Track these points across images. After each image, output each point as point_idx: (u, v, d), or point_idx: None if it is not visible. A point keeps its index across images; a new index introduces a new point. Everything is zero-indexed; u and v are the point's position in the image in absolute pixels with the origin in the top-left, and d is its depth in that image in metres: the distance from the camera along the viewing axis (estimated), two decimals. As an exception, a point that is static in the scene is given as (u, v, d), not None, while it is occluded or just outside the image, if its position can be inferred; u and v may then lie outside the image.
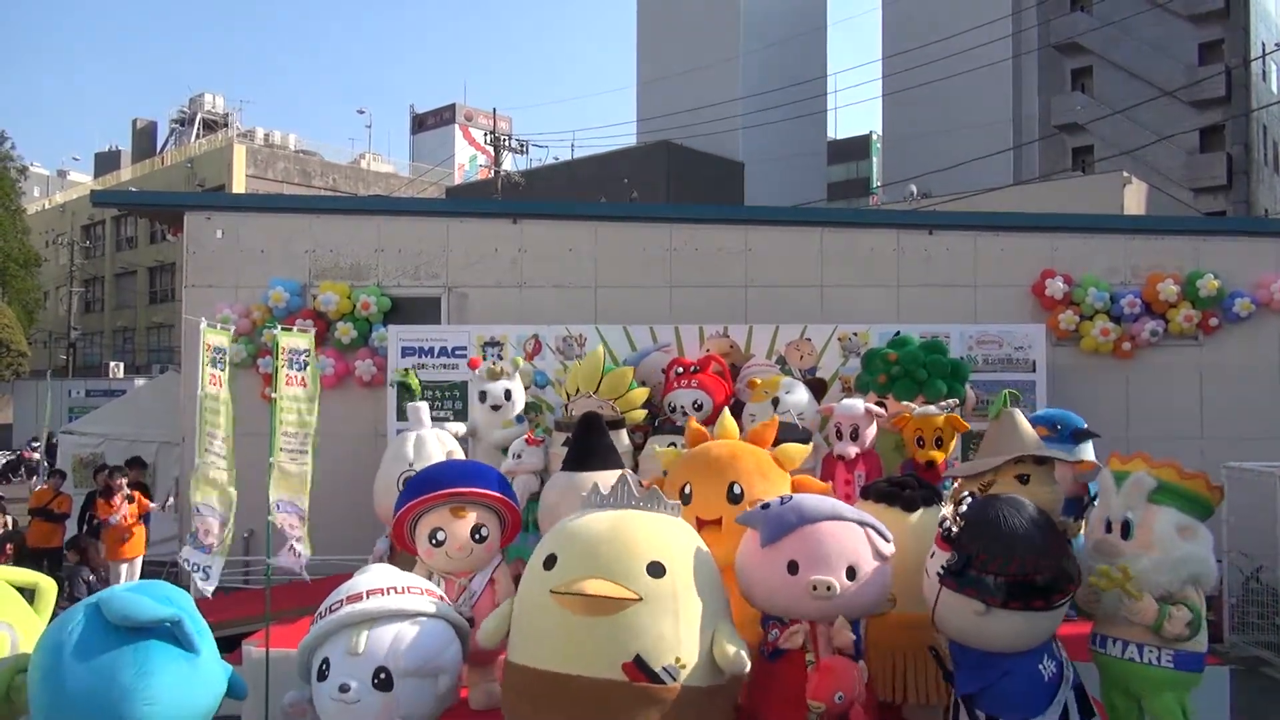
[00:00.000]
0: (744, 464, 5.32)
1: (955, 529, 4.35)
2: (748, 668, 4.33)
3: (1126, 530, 4.63)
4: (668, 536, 4.52)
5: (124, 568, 9.83)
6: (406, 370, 8.86)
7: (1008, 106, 41.29)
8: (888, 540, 4.62)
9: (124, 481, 10.11)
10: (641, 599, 4.16)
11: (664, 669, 4.14)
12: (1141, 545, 4.58)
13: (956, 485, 6.31)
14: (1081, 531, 5.28)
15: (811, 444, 6.21)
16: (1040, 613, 4.32)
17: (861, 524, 4.59)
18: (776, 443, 5.67)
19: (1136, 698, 4.78)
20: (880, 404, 7.25)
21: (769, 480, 5.22)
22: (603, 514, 4.54)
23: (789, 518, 4.51)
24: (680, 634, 4.23)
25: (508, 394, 7.83)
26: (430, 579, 5.45)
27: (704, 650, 4.29)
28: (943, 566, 4.33)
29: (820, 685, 4.23)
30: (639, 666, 4.12)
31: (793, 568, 4.40)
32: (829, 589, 4.33)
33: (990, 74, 37.75)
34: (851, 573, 4.42)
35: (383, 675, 4.40)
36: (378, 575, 4.82)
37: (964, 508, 4.43)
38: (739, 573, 4.70)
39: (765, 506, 4.70)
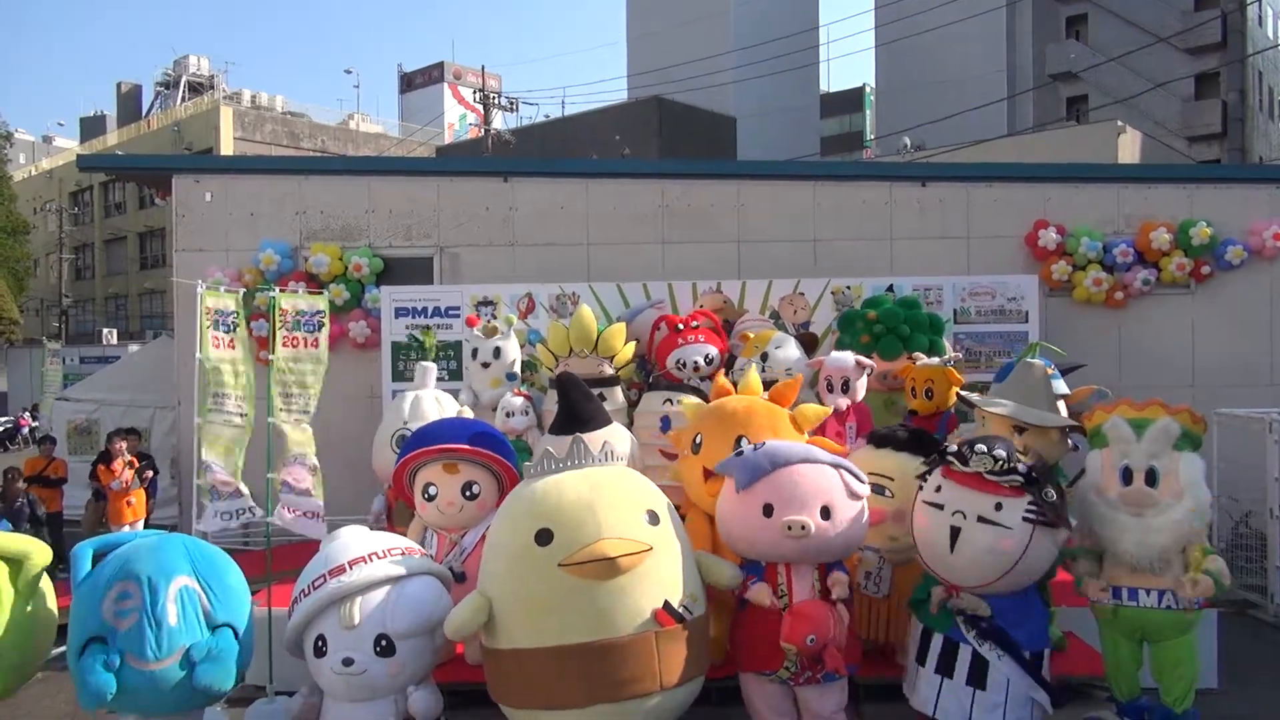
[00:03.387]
0: (756, 420, 5.35)
1: (1028, 468, 4.38)
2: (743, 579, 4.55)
3: (1152, 478, 4.68)
4: (643, 485, 4.65)
5: (126, 531, 9.87)
6: (427, 329, 9.01)
7: (1002, 56, 40.76)
8: (862, 480, 4.70)
9: (124, 446, 10.11)
10: (652, 548, 4.28)
11: (682, 606, 4.30)
12: (1173, 493, 4.65)
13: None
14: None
15: (833, 407, 6.24)
16: None
17: (835, 466, 4.67)
18: None
19: (1141, 643, 4.87)
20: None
21: (778, 437, 5.22)
22: (570, 476, 4.52)
23: (762, 463, 4.61)
24: (681, 572, 4.40)
25: (497, 352, 7.80)
26: (425, 533, 5.49)
27: (697, 581, 4.50)
28: (1033, 509, 4.34)
29: (793, 629, 4.35)
30: (668, 611, 4.25)
31: (768, 510, 4.50)
32: (804, 529, 4.42)
33: (984, 23, 37.28)
34: (826, 513, 4.50)
35: (384, 642, 4.43)
36: (354, 542, 4.72)
37: (1000, 451, 4.42)
38: (719, 520, 4.80)
39: (740, 454, 4.76)
